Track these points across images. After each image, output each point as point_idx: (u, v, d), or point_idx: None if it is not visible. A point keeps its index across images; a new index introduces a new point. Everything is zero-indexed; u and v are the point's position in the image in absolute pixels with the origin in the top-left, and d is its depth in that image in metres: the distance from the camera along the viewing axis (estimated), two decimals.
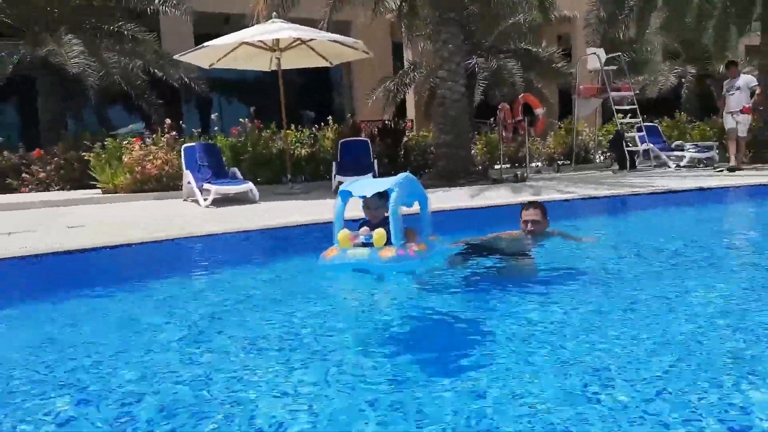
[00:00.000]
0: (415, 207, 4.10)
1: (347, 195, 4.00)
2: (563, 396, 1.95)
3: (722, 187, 8.04)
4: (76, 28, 12.14)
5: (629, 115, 12.91)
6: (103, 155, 9.68)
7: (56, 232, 5.63)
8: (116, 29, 13.06)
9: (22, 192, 10.80)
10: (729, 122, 10.45)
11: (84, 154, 10.12)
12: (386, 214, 3.93)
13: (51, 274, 4.35)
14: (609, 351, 2.36)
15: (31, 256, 4.36)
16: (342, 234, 3.84)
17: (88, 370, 2.41)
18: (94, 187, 9.87)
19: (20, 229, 5.94)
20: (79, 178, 10.78)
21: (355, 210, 4.06)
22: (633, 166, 12.06)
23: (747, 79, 10.48)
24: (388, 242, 3.79)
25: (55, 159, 11.09)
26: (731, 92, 10.43)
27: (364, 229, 3.81)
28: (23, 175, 11.07)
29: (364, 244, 3.75)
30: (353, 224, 3.95)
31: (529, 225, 4.16)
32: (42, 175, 11.01)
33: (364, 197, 4.05)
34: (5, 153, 11.54)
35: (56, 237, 5.25)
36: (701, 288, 3.34)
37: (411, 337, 2.83)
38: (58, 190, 10.90)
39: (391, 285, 3.73)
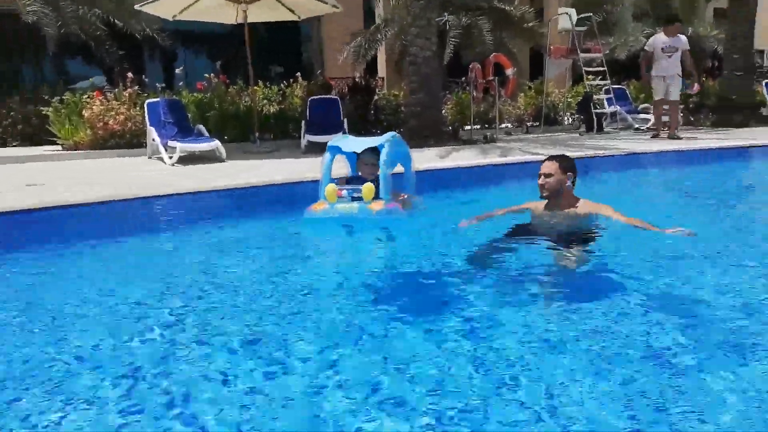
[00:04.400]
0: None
1: (336, 150, 4.03)
2: None
3: (683, 150, 8.24)
4: None
5: (599, 77, 12.98)
6: (63, 110, 9.34)
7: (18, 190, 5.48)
8: None
9: None
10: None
11: (42, 108, 9.74)
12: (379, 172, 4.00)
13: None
14: None
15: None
16: (329, 188, 3.86)
17: None
18: (54, 143, 9.56)
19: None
20: (37, 134, 10.40)
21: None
22: (600, 129, 12.19)
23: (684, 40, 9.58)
24: (377, 197, 3.84)
25: (12, 114, 10.65)
26: (668, 53, 9.47)
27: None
28: None
29: (352, 198, 3.78)
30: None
31: (540, 179, 3.64)
32: None
33: (358, 154, 4.09)
34: None
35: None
36: None
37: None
38: (15, 146, 10.51)
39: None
